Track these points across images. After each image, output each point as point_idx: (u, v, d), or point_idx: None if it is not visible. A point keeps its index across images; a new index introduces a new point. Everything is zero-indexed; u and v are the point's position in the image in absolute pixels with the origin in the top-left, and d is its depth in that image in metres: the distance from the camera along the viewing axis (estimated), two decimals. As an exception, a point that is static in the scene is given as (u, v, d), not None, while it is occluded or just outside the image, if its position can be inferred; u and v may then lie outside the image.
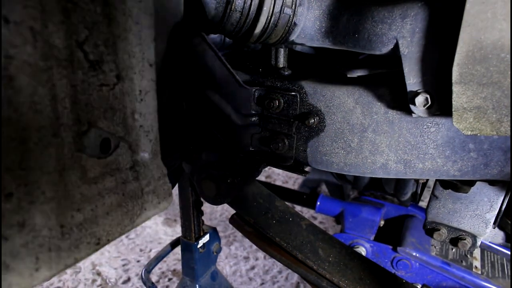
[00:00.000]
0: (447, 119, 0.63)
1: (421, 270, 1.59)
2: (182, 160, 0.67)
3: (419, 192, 1.50)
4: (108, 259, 2.24)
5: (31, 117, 0.37)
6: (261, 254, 2.28)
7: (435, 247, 1.64)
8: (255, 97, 0.74)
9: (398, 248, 1.60)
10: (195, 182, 0.89)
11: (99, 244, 0.45)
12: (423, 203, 1.97)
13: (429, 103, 0.59)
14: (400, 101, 0.65)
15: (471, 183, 0.74)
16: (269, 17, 0.64)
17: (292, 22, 0.67)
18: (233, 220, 1.10)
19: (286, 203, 1.10)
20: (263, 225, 1.03)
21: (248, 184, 0.83)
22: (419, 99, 0.60)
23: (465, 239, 0.81)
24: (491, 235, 0.83)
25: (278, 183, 2.98)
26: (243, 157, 0.80)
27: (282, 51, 0.75)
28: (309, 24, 0.68)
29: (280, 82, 0.73)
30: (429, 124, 0.65)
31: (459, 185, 0.74)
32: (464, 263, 1.58)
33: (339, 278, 0.93)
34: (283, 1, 0.64)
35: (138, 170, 0.50)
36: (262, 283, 2.09)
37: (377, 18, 0.60)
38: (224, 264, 2.18)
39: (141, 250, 2.33)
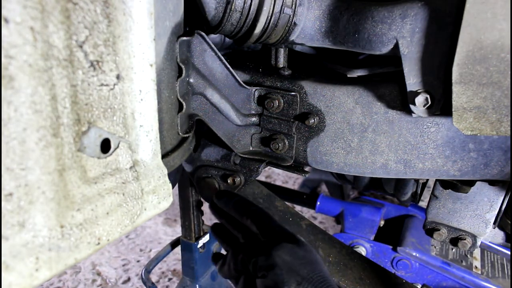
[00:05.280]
0: (447, 119, 0.63)
1: (421, 270, 1.59)
2: (182, 160, 0.67)
3: (419, 192, 1.50)
4: (108, 259, 2.24)
5: (31, 117, 0.37)
6: (261, 254, 2.28)
7: (435, 247, 1.64)
8: (255, 97, 0.74)
9: (398, 248, 1.60)
10: (195, 182, 0.89)
11: (99, 244, 0.45)
12: (423, 203, 1.97)
13: (429, 103, 0.59)
14: (400, 101, 0.65)
15: (471, 183, 0.74)
16: (269, 17, 0.64)
17: (292, 22, 0.67)
18: (233, 220, 1.10)
19: (286, 203, 1.10)
20: (263, 225, 1.02)
21: (248, 184, 0.83)
22: (419, 99, 0.60)
23: (465, 239, 0.81)
24: (491, 235, 0.83)
25: (278, 183, 2.98)
26: (243, 157, 0.80)
27: (282, 51, 0.75)
28: (309, 24, 0.68)
29: (280, 82, 0.73)
30: (429, 124, 0.65)
31: (459, 185, 0.74)
32: (464, 263, 1.58)
33: (339, 278, 0.93)
34: (283, 1, 0.64)
35: (138, 170, 0.51)
36: (262, 283, 2.09)
37: (377, 18, 0.60)
38: (224, 264, 2.18)
39: (141, 250, 2.33)
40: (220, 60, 0.66)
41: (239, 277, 0.66)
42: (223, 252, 0.80)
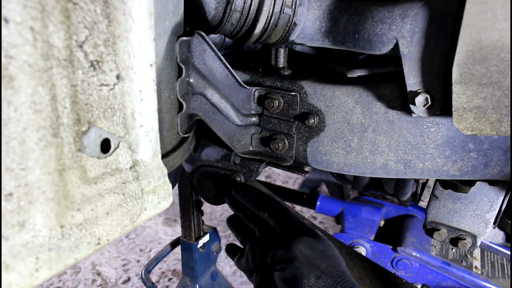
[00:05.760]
0: (447, 119, 0.63)
1: (421, 270, 1.59)
2: (182, 160, 0.67)
3: (419, 192, 1.50)
4: (108, 259, 2.24)
5: (31, 117, 0.37)
6: (261, 254, 2.27)
7: (435, 247, 1.64)
8: (255, 97, 0.74)
9: (398, 248, 1.60)
10: (195, 182, 0.89)
11: (99, 244, 0.45)
12: (423, 203, 1.97)
13: (429, 103, 0.59)
14: (400, 101, 0.65)
15: (471, 183, 0.74)
16: (269, 17, 0.64)
17: (292, 22, 0.67)
18: (233, 220, 1.10)
19: (286, 203, 1.10)
20: (263, 225, 1.02)
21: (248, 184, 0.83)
22: (419, 99, 0.60)
23: (465, 239, 0.81)
24: (491, 235, 0.83)
25: (278, 183, 2.98)
26: (243, 157, 0.80)
27: (282, 51, 0.75)
28: (309, 24, 0.68)
29: (280, 82, 0.73)
30: (429, 124, 0.65)
31: (459, 185, 0.74)
32: (464, 263, 1.58)
33: (339, 278, 0.93)
34: (283, 1, 0.64)
35: (138, 170, 0.51)
36: (262, 283, 2.08)
37: (377, 18, 0.60)
38: (224, 264, 2.18)
39: (141, 250, 2.33)
40: (220, 60, 0.66)
41: (256, 270, 0.66)
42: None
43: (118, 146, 0.47)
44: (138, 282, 2.08)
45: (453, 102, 0.56)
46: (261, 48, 0.94)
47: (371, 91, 0.67)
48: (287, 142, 0.75)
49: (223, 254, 2.27)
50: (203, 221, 1.23)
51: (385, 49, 0.61)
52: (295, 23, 0.67)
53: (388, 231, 1.77)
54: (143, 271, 1.19)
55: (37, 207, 0.39)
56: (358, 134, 0.70)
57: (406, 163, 0.69)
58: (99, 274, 2.14)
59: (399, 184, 1.55)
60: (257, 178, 0.86)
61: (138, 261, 2.24)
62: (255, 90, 0.74)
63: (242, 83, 0.71)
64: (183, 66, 0.59)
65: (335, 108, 0.70)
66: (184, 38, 0.58)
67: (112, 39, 0.43)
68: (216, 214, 2.66)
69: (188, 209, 1.16)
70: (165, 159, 0.58)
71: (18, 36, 0.34)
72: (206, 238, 1.24)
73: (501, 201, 0.75)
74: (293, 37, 0.70)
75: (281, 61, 0.75)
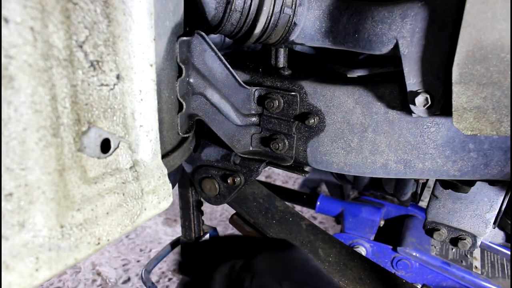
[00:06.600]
0: (447, 119, 0.63)
1: (421, 270, 1.59)
2: (182, 160, 0.67)
3: (419, 192, 1.50)
4: (108, 259, 2.24)
5: (31, 117, 0.37)
6: (261, 254, 2.27)
7: (435, 247, 1.64)
8: (255, 97, 0.74)
9: (398, 248, 1.60)
10: (195, 182, 0.89)
11: (99, 244, 0.45)
12: (423, 203, 1.96)
13: (429, 103, 0.59)
14: (400, 101, 0.65)
15: (471, 183, 0.74)
16: (269, 17, 0.64)
17: (292, 22, 0.67)
18: (233, 220, 1.10)
19: (286, 203, 1.10)
20: (263, 225, 1.03)
21: (248, 184, 0.83)
22: (419, 99, 0.60)
23: (465, 239, 0.81)
24: (491, 235, 0.83)
25: (278, 183, 2.98)
26: (243, 157, 0.80)
27: (282, 51, 0.75)
28: (309, 24, 0.68)
29: (280, 82, 0.73)
30: (429, 124, 0.65)
31: (459, 185, 0.74)
32: (464, 263, 1.58)
33: (339, 278, 0.93)
34: (283, 1, 0.64)
35: (138, 170, 0.51)
36: (262, 283, 2.08)
37: (377, 18, 0.60)
38: (224, 264, 2.18)
39: (141, 250, 2.33)
40: (220, 60, 0.66)
41: None
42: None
43: (118, 146, 0.47)
44: (138, 282, 2.08)
45: (453, 102, 0.56)
46: (261, 48, 0.94)
47: (371, 91, 0.67)
48: (287, 142, 0.74)
49: (223, 254, 2.26)
50: (203, 221, 1.23)
51: (385, 49, 0.61)
52: (295, 23, 0.67)
53: (388, 231, 1.77)
54: (143, 271, 1.19)
55: (37, 207, 0.39)
56: (358, 134, 0.70)
57: (406, 163, 0.69)
58: (99, 274, 2.14)
59: (399, 184, 1.55)
60: (257, 178, 0.86)
61: (138, 261, 2.24)
62: (255, 90, 0.74)
63: (242, 83, 0.71)
64: (183, 66, 0.59)
65: (335, 108, 0.70)
66: (184, 38, 0.58)
67: (112, 39, 0.43)
68: (216, 214, 2.66)
69: (188, 209, 1.16)
70: (165, 159, 0.58)
71: (18, 36, 0.34)
72: (206, 238, 1.24)
73: (501, 201, 0.75)
74: (293, 37, 0.70)
75: (281, 61, 0.75)
